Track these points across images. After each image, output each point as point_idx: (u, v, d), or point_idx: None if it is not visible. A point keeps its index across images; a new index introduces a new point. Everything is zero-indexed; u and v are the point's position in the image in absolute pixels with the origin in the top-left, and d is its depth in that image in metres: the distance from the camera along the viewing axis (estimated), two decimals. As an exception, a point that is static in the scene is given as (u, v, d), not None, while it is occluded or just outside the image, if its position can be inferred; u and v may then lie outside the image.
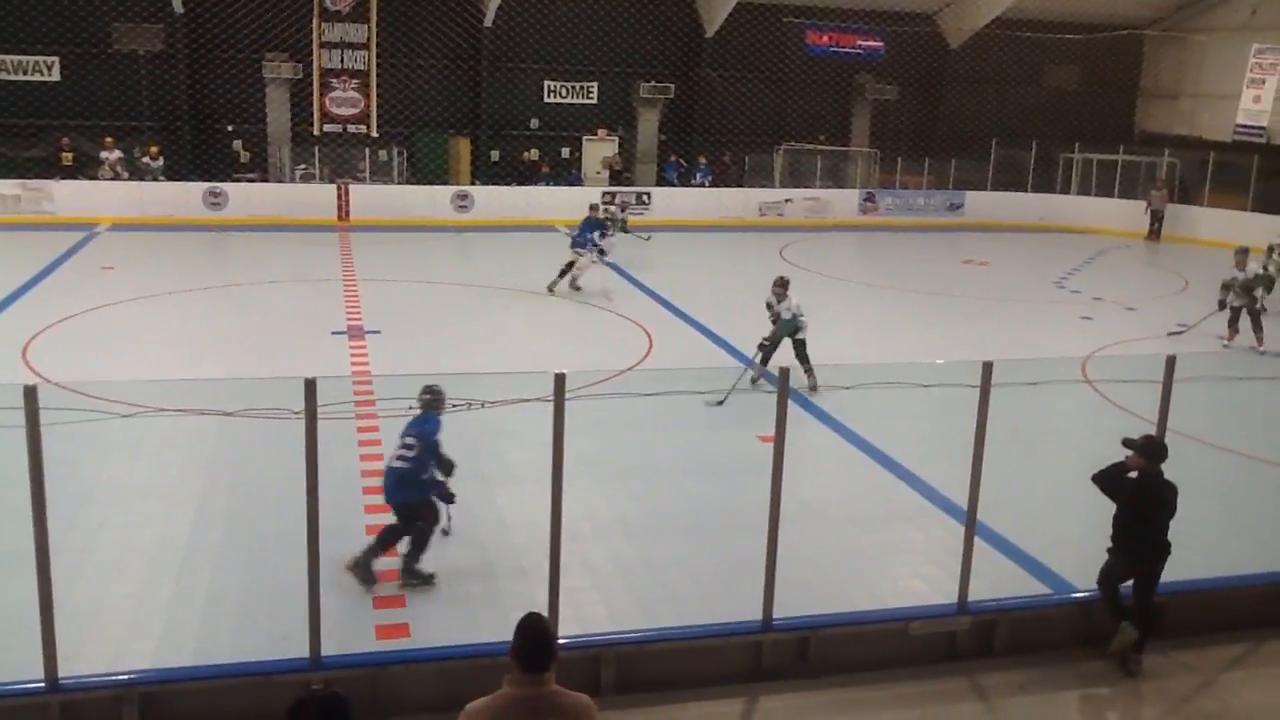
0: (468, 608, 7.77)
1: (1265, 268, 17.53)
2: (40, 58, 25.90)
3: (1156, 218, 28.18)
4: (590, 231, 18.82)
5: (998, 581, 8.00)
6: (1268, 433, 11.98)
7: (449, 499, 8.24)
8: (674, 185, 28.96)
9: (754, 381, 13.11)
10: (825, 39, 30.66)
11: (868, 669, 7.02)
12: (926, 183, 30.51)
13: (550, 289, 18.52)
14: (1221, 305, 16.73)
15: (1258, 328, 16.30)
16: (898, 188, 30.25)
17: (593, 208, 20.06)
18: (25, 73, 25.90)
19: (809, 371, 13.16)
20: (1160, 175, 29.29)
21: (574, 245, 18.95)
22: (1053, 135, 30.24)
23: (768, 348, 13.32)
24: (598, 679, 6.64)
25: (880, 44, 30.80)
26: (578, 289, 18.79)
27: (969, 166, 30.42)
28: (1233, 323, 16.66)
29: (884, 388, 8.83)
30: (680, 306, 17.97)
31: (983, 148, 30.26)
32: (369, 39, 27.37)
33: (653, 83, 29.25)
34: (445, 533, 8.48)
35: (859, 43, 30.96)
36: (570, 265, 18.74)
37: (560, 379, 6.41)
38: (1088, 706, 7.04)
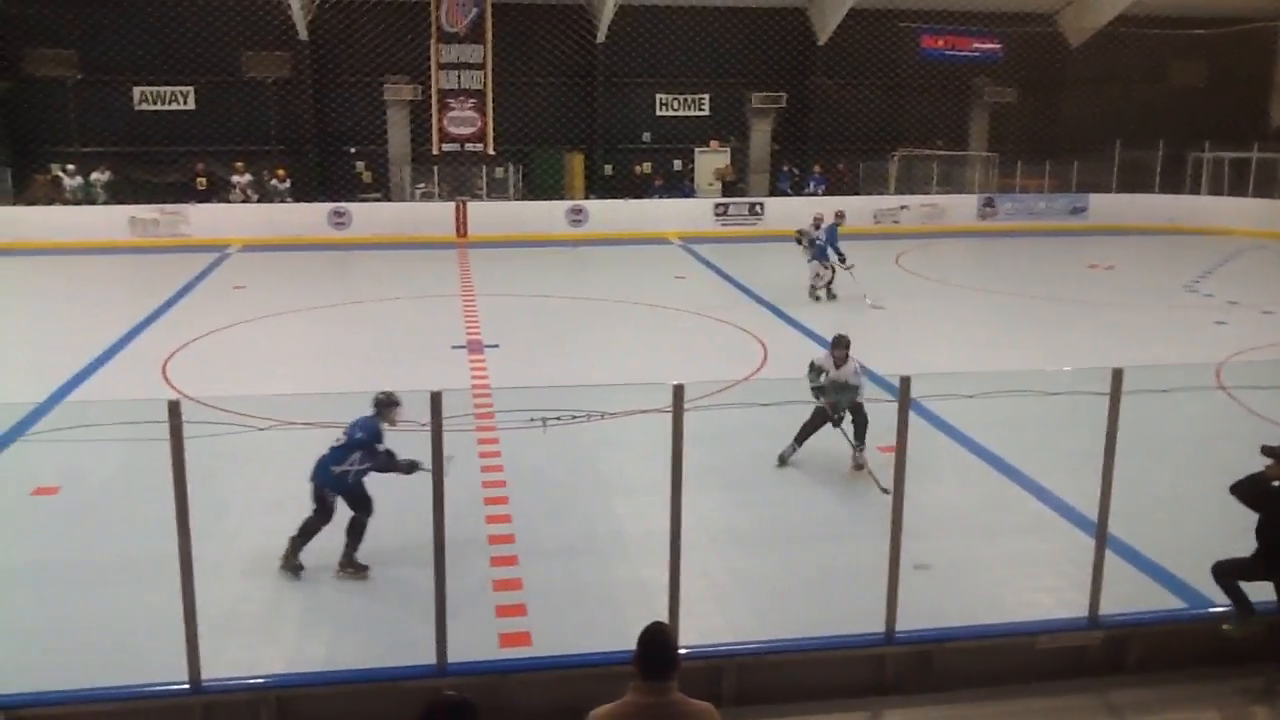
0: (588, 617, 7.85)
1: None
2: (177, 88, 27.24)
3: (1296, 216, 26.92)
4: (836, 241, 19.44)
5: (1127, 595, 7.73)
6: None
7: (408, 469, 8.15)
8: (787, 195, 28.81)
9: (782, 461, 11.01)
10: (941, 42, 30.17)
11: (993, 683, 6.86)
12: (1048, 186, 29.71)
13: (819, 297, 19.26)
14: None
15: None
16: (1018, 192, 29.51)
17: (838, 215, 20.43)
18: (164, 102, 27.28)
19: (860, 447, 10.77)
20: (1299, 172, 27.98)
21: (817, 256, 19.41)
22: (1180, 134, 29.14)
23: (809, 426, 10.92)
24: (719, 689, 6.64)
25: (998, 46, 30.16)
26: (834, 297, 19.31)
27: (1092, 169, 29.51)
28: None
29: (1007, 396, 8.66)
30: (794, 315, 17.86)
31: (1106, 149, 29.32)
32: (485, 59, 27.98)
33: (764, 92, 29.18)
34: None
35: (975, 45, 30.39)
36: (818, 274, 19.36)
37: (679, 390, 6.46)
38: (1229, 725, 6.77)
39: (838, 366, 10.84)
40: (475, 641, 7.22)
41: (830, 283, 19.38)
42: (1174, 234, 27.58)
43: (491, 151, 28.33)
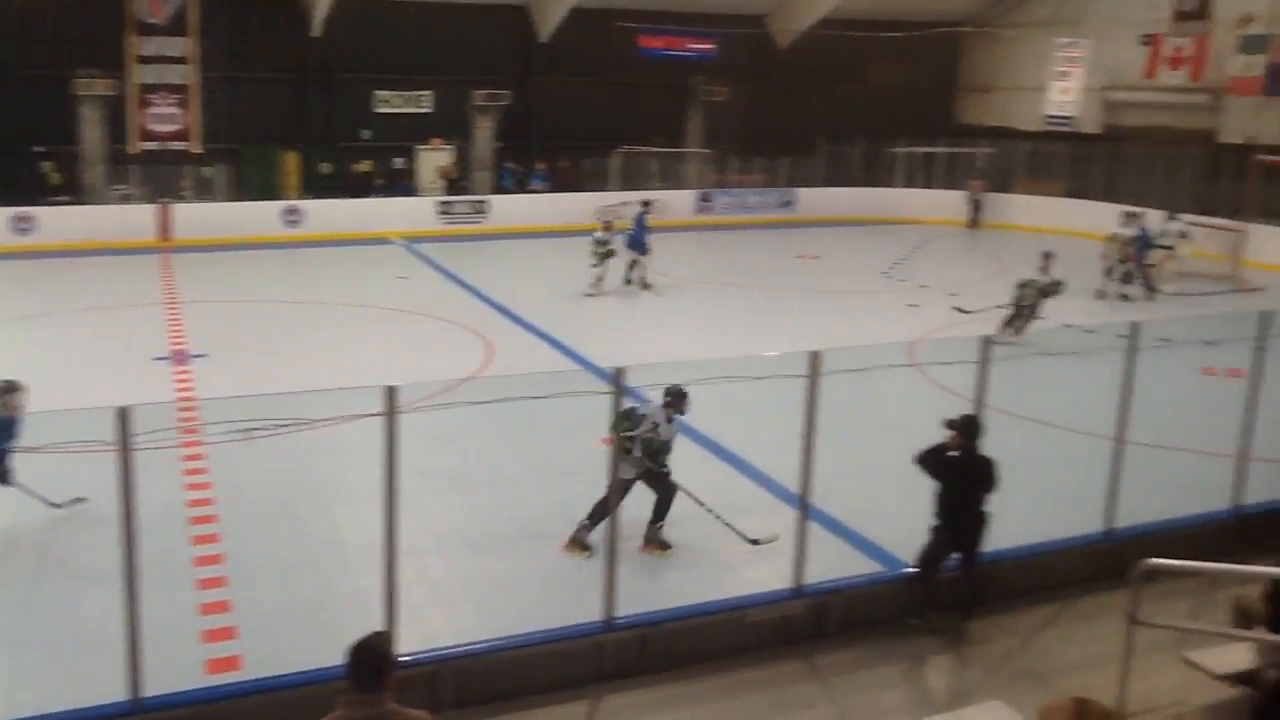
0: (304, 634, 7.54)
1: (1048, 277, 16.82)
2: None
3: (976, 206, 29.52)
4: (647, 232, 20.13)
5: (833, 563, 8.23)
6: (1078, 405, 12.63)
7: None
8: (511, 192, 28.82)
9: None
10: (659, 42, 31.02)
11: (708, 659, 7.12)
12: (760, 181, 31.17)
13: (626, 283, 19.95)
14: (1016, 307, 16.48)
15: (1022, 321, 16.41)
16: (732, 187, 30.83)
17: (645, 204, 21.25)
18: None
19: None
20: (978, 165, 30.67)
21: (631, 245, 19.96)
22: (878, 130, 31.31)
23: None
24: (437, 694, 6.54)
25: (712, 46, 31.33)
26: (648, 286, 19.92)
27: (800, 164, 31.22)
28: (1013, 321, 16.45)
29: (718, 382, 8.99)
30: (518, 312, 17.90)
31: (812, 145, 31.10)
32: (189, 52, 26.36)
33: (488, 90, 29.03)
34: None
35: (691, 45, 31.44)
36: (634, 264, 19.98)
37: (391, 392, 6.30)
38: (916, 675, 7.33)
39: (668, 422, 8.94)
40: (177, 672, 6.78)
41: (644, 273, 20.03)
42: (874, 224, 29.60)
43: (198, 150, 26.73)
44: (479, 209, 27.61)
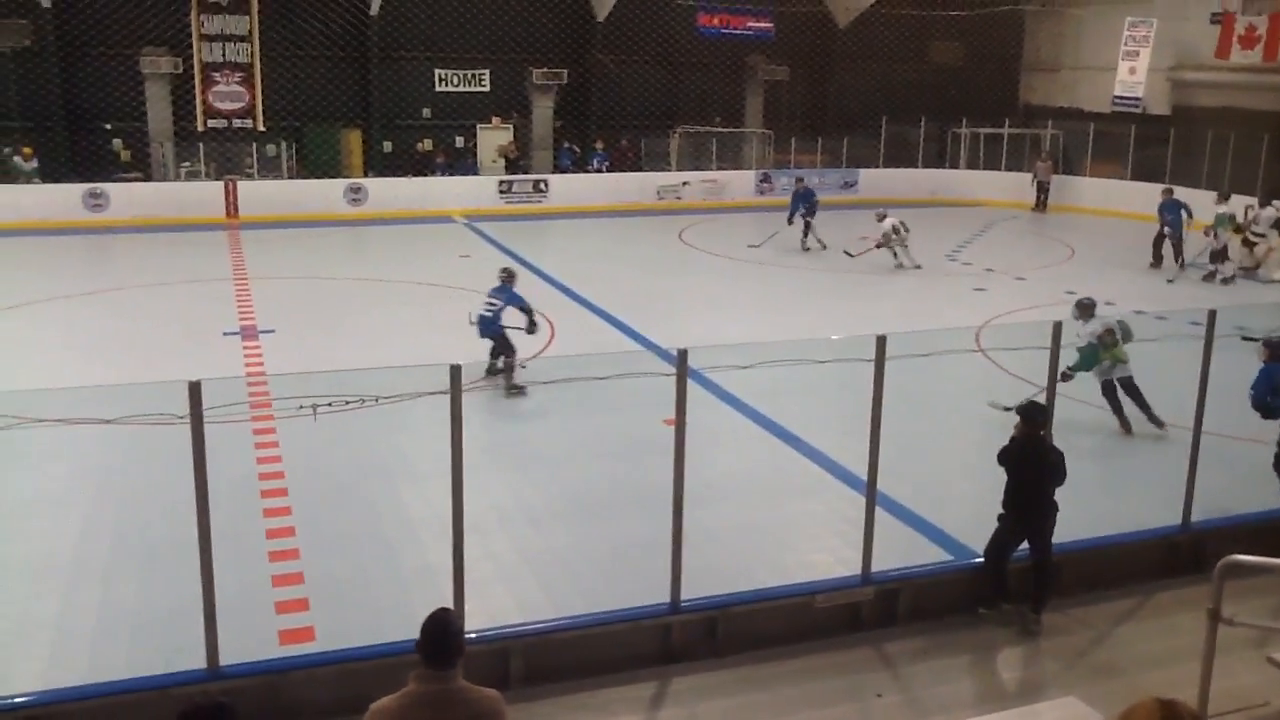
0: (374, 608, 7.64)
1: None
2: (-102, 56, 24.65)
3: (1042, 189, 28.97)
4: (801, 202, 22.54)
5: (901, 550, 8.15)
6: (1153, 395, 12.37)
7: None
8: (570, 171, 28.83)
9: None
10: (716, 21, 30.79)
11: (775, 644, 7.09)
12: (820, 161, 30.88)
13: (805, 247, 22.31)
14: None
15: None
16: (793, 167, 30.56)
17: (798, 180, 24.14)
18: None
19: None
20: (1044, 147, 30.10)
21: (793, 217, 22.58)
22: (941, 111, 30.85)
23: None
24: (507, 672, 6.59)
25: (770, 25, 31.04)
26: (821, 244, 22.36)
27: (861, 144, 30.86)
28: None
29: (782, 365, 8.93)
30: (581, 293, 17.92)
31: (874, 125, 30.73)
32: (251, 30, 26.63)
33: (545, 69, 29.03)
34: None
35: (749, 24, 31.16)
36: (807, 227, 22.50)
37: (456, 370, 6.33)
38: (988, 666, 7.23)
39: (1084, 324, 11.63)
40: (253, 640, 6.90)
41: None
42: (936, 206, 29.20)
43: (262, 128, 27.02)
44: (539, 188, 27.66)
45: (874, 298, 18.39)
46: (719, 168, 29.79)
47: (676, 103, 30.39)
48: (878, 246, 20.30)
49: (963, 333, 14.89)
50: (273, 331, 15.11)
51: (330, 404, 7.38)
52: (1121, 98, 29.02)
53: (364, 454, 10.44)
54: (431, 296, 17.85)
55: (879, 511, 7.61)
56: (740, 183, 29.16)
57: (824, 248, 22.26)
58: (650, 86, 30.31)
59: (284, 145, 27.08)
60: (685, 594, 7.05)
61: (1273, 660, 6.03)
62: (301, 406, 8.13)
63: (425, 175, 27.47)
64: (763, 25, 31.19)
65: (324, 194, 25.63)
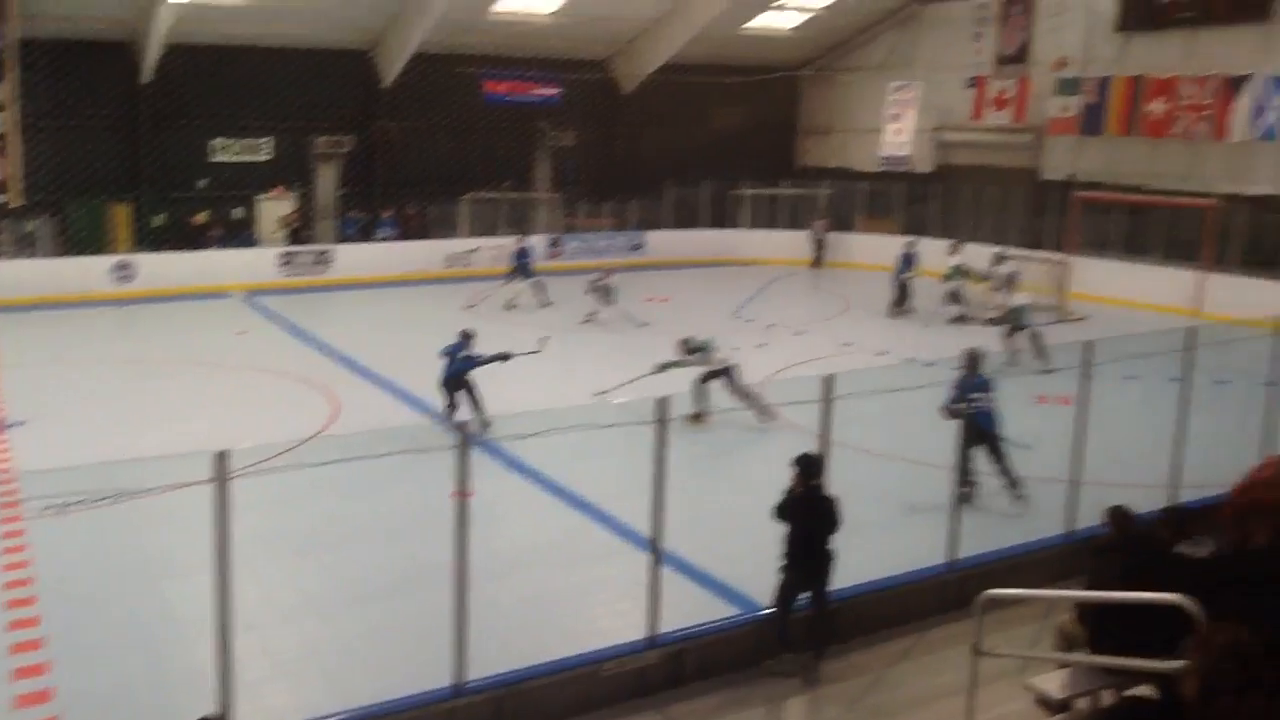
0: (134, 718, 7.09)
1: None
2: None
3: (819, 246, 30.35)
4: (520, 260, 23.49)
5: (692, 609, 8.19)
6: (921, 438, 13.00)
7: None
8: (356, 241, 28.24)
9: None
10: (503, 88, 30.97)
11: (565, 718, 6.97)
12: (610, 225, 31.39)
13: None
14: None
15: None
16: (582, 231, 30.94)
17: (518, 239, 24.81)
18: None
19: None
20: (820, 206, 31.58)
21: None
22: (723, 173, 31.95)
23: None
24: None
25: (557, 91, 31.47)
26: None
27: (648, 207, 31.55)
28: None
29: (570, 431, 8.90)
30: (366, 365, 17.47)
31: (660, 188, 31.53)
32: (7, 98, 25.00)
33: (330, 136, 28.45)
34: None
35: (536, 90, 31.49)
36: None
37: (221, 457, 6.00)
38: (774, 718, 7.32)
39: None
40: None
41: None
42: (722, 265, 30.09)
43: (18, 203, 25.30)
44: (323, 259, 26.95)
45: (662, 358, 18.62)
46: (509, 233, 29.76)
47: (465, 169, 30.32)
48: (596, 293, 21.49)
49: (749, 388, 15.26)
50: (23, 423, 14.00)
51: (86, 500, 6.88)
52: (889, 157, 30.83)
53: (125, 552, 9.77)
54: (206, 377, 17.02)
55: (670, 572, 7.64)
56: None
57: (542, 306, 23.17)
58: (438, 153, 30.13)
59: (44, 221, 25.39)
60: (474, 672, 6.85)
61: (1030, 687, 6.33)
62: (48, 507, 7.57)
63: (200, 248, 26.29)
64: (550, 92, 31.59)
65: (87, 272, 24.10)
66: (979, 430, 10.50)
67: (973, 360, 11.28)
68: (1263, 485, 7.18)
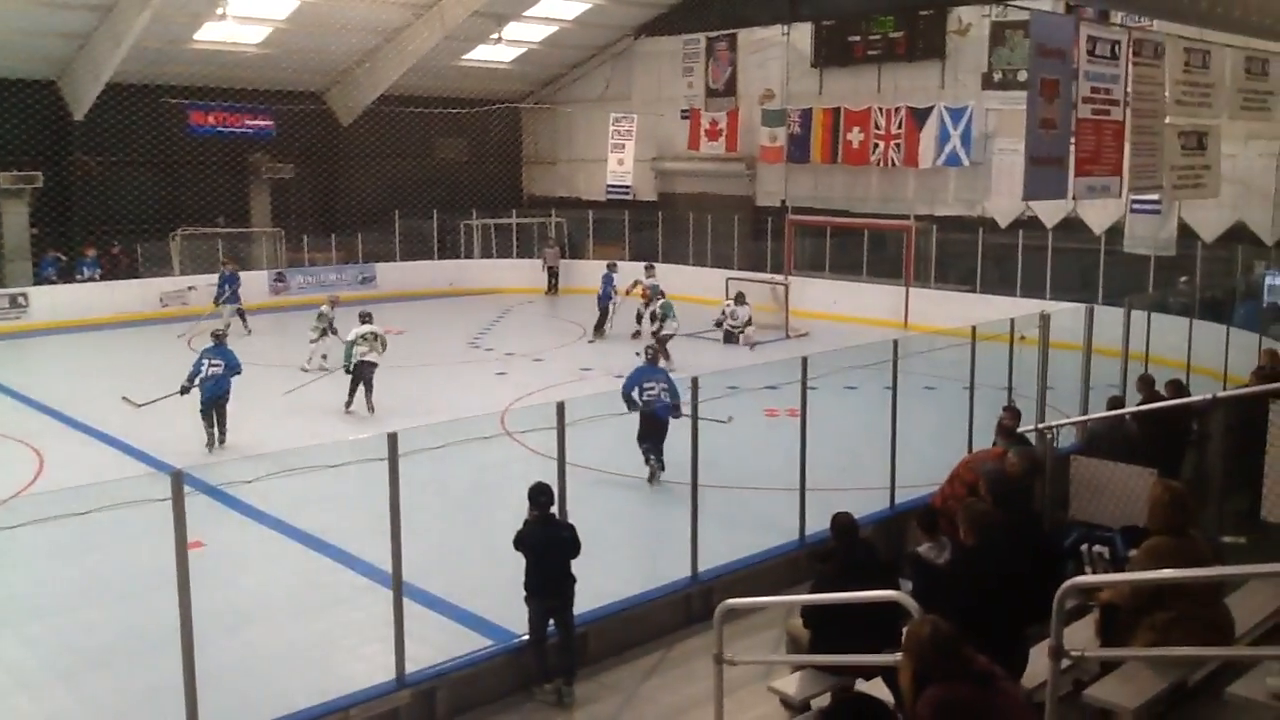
0: None
1: None
2: None
3: (553, 273, 30.71)
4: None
5: (445, 644, 8.06)
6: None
7: None
8: (55, 283, 26.05)
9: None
10: (211, 119, 29.48)
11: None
12: (335, 258, 30.52)
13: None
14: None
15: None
16: (307, 265, 29.90)
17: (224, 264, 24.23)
18: None
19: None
20: (550, 234, 31.99)
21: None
22: (451, 203, 31.78)
23: None
24: None
25: (271, 123, 30.28)
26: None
27: (376, 240, 30.93)
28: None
29: (302, 472, 8.58)
30: (71, 415, 16.17)
31: (387, 220, 30.98)
32: None
33: (15, 172, 26.13)
34: None
35: (247, 122, 30.17)
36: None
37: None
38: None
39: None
40: None
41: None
42: (456, 296, 29.89)
43: None
44: (16, 303, 24.73)
45: (400, 391, 18.28)
46: (230, 270, 28.32)
47: (175, 204, 28.64)
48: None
49: (489, 418, 15.22)
50: None
51: None
52: (614, 185, 31.62)
53: None
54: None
55: (421, 609, 7.50)
56: (252, 284, 27.91)
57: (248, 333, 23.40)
58: (143, 188, 28.28)
59: None
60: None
61: (773, 689, 6.65)
62: None
63: None
64: (263, 123, 30.33)
65: None
66: (656, 420, 12.56)
67: (652, 355, 14.23)
68: (958, 485, 7.96)
